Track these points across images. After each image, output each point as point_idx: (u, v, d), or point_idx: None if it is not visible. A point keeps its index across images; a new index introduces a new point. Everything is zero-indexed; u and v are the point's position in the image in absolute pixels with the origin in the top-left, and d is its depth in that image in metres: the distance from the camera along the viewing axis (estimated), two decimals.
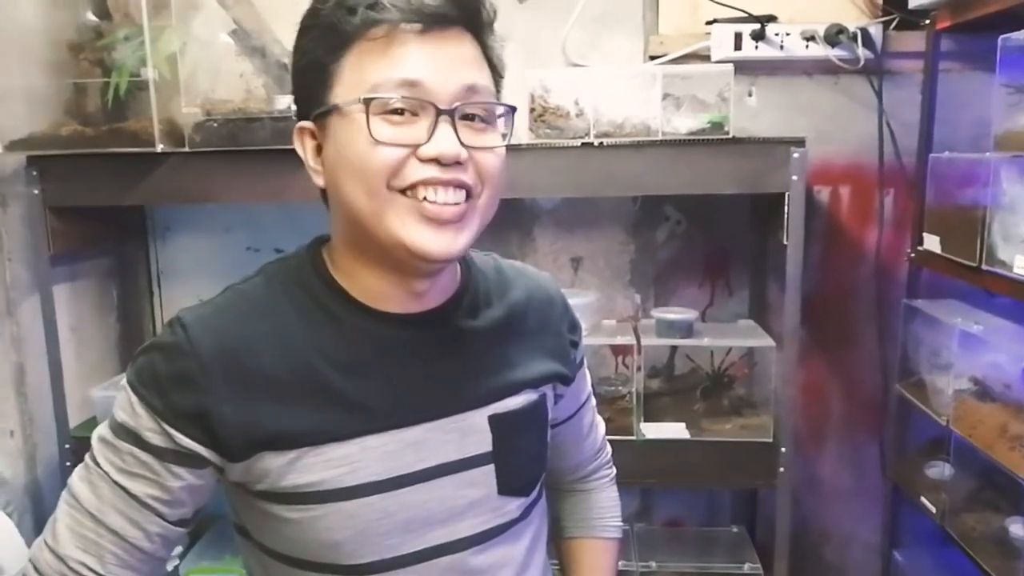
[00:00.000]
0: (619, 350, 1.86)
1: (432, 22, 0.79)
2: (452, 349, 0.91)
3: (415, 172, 0.79)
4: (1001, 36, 1.44)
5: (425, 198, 0.79)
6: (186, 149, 1.60)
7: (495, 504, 0.91)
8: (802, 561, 2.03)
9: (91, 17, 1.68)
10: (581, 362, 1.07)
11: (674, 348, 1.91)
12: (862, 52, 1.78)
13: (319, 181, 0.86)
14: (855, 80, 1.85)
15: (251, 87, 1.65)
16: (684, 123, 1.63)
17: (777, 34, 1.80)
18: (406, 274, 0.86)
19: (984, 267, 1.47)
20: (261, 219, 2.02)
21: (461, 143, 0.80)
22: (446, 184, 0.80)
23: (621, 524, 1.16)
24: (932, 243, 1.70)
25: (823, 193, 1.93)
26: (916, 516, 1.81)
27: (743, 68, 1.81)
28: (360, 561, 0.84)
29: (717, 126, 1.62)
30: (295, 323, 0.85)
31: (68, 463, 1.72)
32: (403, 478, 0.85)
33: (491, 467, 0.90)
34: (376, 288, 0.87)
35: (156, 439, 0.80)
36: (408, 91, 0.78)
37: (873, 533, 2.03)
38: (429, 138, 0.79)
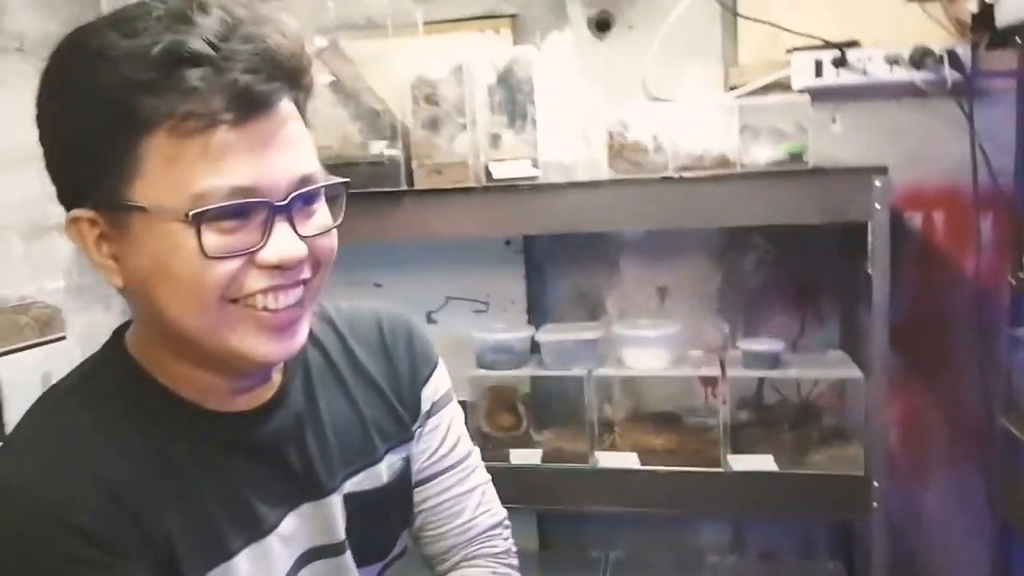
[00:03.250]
0: (707, 381, 1.85)
1: (256, 107, 0.68)
2: (295, 436, 0.85)
3: (254, 282, 0.72)
4: None
5: (265, 307, 0.73)
6: None
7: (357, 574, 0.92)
8: None
9: None
10: (432, 408, 0.99)
11: (762, 379, 1.89)
12: (949, 73, 1.74)
13: (115, 280, 0.74)
14: (944, 102, 1.79)
15: (346, 133, 1.76)
16: (763, 153, 1.62)
17: (859, 60, 1.78)
18: (236, 374, 0.80)
19: None
20: (358, 258, 2.11)
21: (300, 236, 0.72)
22: (287, 288, 0.74)
23: None
24: None
25: (915, 219, 1.88)
26: None
27: (826, 95, 1.79)
28: None
29: (796, 156, 1.61)
30: (138, 453, 0.75)
31: None
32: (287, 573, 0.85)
33: (348, 553, 0.90)
34: (203, 383, 0.79)
35: None
36: (240, 196, 0.69)
37: (981, 571, 1.93)
38: (265, 241, 0.71)
